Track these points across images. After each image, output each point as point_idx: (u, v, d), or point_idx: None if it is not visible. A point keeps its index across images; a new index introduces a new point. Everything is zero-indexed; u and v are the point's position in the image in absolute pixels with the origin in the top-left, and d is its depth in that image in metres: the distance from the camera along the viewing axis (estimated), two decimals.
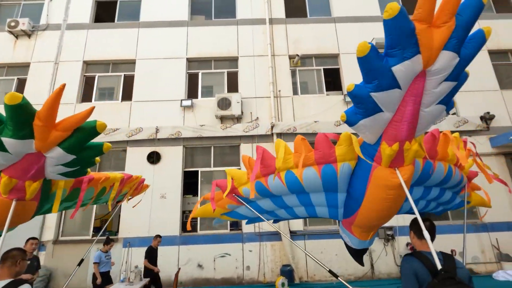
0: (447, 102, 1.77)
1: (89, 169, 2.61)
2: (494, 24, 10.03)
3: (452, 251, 7.28)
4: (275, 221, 3.47)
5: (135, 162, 8.35)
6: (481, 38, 1.54)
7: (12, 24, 9.31)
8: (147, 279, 5.48)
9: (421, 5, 1.39)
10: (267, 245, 7.79)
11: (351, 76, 9.30)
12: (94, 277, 5.53)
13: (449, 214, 8.27)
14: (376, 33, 9.63)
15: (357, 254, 3.01)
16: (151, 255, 6.03)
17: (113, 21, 10.15)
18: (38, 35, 9.67)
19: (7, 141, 1.80)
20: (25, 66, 9.42)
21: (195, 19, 10.31)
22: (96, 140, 7.43)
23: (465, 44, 1.54)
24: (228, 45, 9.64)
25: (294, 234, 7.80)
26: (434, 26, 1.43)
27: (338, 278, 2.48)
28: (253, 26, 9.84)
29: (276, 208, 3.01)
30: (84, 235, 7.98)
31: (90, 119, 7.58)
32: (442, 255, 2.02)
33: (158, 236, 6.34)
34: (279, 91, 9.13)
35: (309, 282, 7.43)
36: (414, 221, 2.07)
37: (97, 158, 2.26)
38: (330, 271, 2.60)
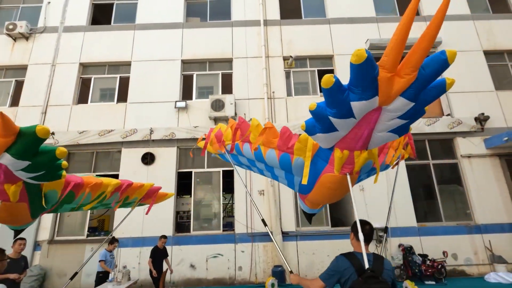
0: (400, 132, 1.84)
1: (64, 173, 2.65)
2: (490, 24, 10.01)
3: (444, 252, 7.30)
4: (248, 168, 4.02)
5: (129, 163, 8.43)
6: (442, 87, 1.59)
7: (10, 27, 9.45)
8: (137, 279, 5.55)
9: (388, 53, 1.43)
10: (259, 245, 7.83)
11: (346, 77, 9.27)
12: (98, 275, 5.74)
13: (442, 216, 8.25)
14: (370, 34, 9.65)
15: (308, 216, 3.60)
16: (155, 255, 6.08)
17: (110, 23, 10.26)
18: (35, 37, 9.80)
19: None
20: (22, 68, 9.55)
21: (190, 21, 10.39)
22: (93, 141, 7.55)
23: (425, 91, 1.59)
24: (223, 46, 9.70)
25: (286, 235, 7.83)
26: (397, 75, 1.48)
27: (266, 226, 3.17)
28: (248, 27, 9.89)
29: (249, 165, 3.65)
30: (79, 235, 8.09)
31: (91, 120, 7.77)
32: (373, 257, 2.15)
33: (163, 236, 6.39)
34: (273, 92, 9.17)
35: None
36: (355, 223, 2.14)
37: (64, 163, 2.30)
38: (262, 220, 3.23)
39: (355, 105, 1.58)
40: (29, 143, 1.86)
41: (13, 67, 9.62)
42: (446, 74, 9.31)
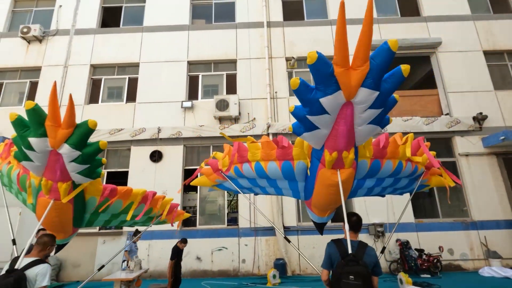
0: (379, 122, 2.13)
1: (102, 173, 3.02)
2: (490, 24, 10.14)
3: (439, 247, 7.58)
4: (256, 194, 4.12)
5: (138, 160, 8.85)
6: (399, 75, 1.88)
7: (25, 30, 9.90)
8: (147, 268, 5.95)
9: (337, 52, 1.75)
10: (262, 240, 8.20)
11: None
12: (122, 262, 6.38)
13: (439, 213, 8.51)
14: None
15: (318, 226, 3.70)
16: (179, 255, 5.79)
17: (119, 26, 10.65)
18: (48, 40, 10.25)
19: (31, 140, 2.33)
20: (36, 70, 10.02)
21: (195, 23, 10.72)
22: (103, 139, 8.01)
23: (386, 79, 1.89)
24: (227, 48, 10.02)
25: (287, 230, 8.18)
26: (352, 69, 1.78)
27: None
28: (251, 29, 10.18)
29: (251, 186, 3.69)
30: (91, 229, 8.53)
31: (101, 119, 8.27)
32: (358, 244, 2.48)
33: (185, 241, 5.99)
34: (276, 92, 9.48)
35: (301, 275, 7.81)
36: (347, 214, 2.48)
37: (104, 159, 2.70)
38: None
39: (323, 101, 1.88)
40: (83, 134, 2.30)
41: (27, 68, 10.08)
42: (448, 74, 9.52)
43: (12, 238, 3.12)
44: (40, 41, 10.21)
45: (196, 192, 9.01)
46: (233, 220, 8.85)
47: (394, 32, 9.95)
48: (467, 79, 9.44)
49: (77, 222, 3.16)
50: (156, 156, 8.82)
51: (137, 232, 6.44)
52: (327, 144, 2.23)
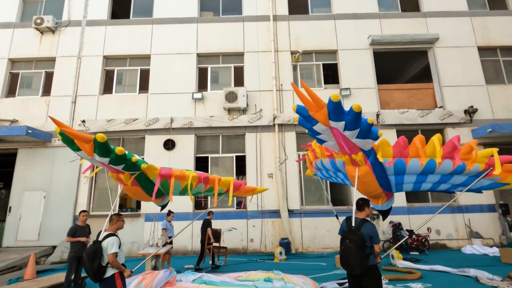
0: (365, 136, 2.85)
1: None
2: (486, 21, 10.64)
3: (428, 228, 8.44)
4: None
5: (153, 148, 9.47)
6: (353, 111, 2.63)
7: (38, 21, 10.20)
8: (170, 245, 6.70)
9: (305, 104, 2.66)
10: (268, 221, 9.00)
11: (348, 70, 10.12)
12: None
13: (430, 198, 9.35)
14: (372, 30, 10.34)
15: (382, 213, 4.17)
16: (210, 225, 7.13)
17: (128, 17, 10.96)
18: (61, 31, 10.57)
19: (79, 153, 3.18)
20: (51, 60, 10.41)
21: (203, 15, 11.06)
22: (119, 128, 8.61)
23: (346, 114, 2.65)
24: (235, 41, 10.45)
25: (291, 213, 8.98)
26: (317, 111, 2.65)
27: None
28: (258, 22, 10.58)
29: (332, 176, 4.66)
30: (109, 211, 9.25)
31: (116, 109, 9.04)
32: (361, 220, 3.30)
33: (211, 212, 7.41)
34: (281, 85, 10.02)
35: (304, 252, 8.68)
36: (357, 199, 3.26)
37: (134, 157, 3.40)
38: None
39: (315, 128, 2.84)
40: (99, 146, 3.03)
41: (42, 59, 10.47)
42: (444, 69, 10.09)
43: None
44: (53, 32, 10.53)
45: None
46: (241, 204, 9.62)
47: (394, 27, 10.44)
48: (461, 73, 10.04)
49: (150, 192, 3.93)
50: (169, 145, 9.44)
51: (170, 212, 7.10)
52: (340, 150, 3.00)
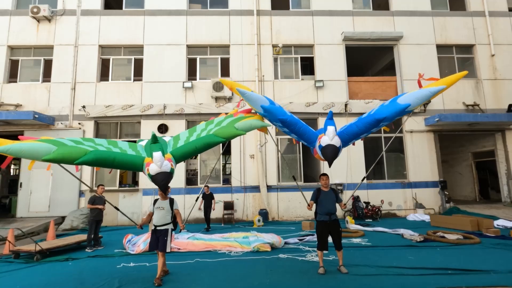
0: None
1: None
2: (446, 20, 11.98)
3: (381, 200, 10.21)
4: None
5: (147, 132, 10.61)
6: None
7: (35, 10, 10.79)
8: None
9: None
10: (249, 195, 10.55)
11: (323, 63, 11.38)
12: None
13: (385, 175, 11.10)
14: (345, 26, 11.52)
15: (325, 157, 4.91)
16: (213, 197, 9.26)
17: (121, 7, 11.65)
18: (57, 20, 11.21)
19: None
20: (49, 48, 11.13)
21: (192, 7, 11.87)
22: (117, 113, 9.93)
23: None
24: (221, 34, 11.42)
25: (269, 188, 10.54)
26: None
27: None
28: (243, 17, 11.53)
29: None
30: (112, 186, 10.56)
31: (113, 95, 10.67)
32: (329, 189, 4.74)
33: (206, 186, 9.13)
34: (263, 76, 11.22)
35: (279, 221, 10.35)
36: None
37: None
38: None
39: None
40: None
41: (40, 46, 11.17)
42: (406, 64, 11.49)
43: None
44: (49, 20, 11.16)
45: (196, 158, 11.07)
46: (226, 180, 11.10)
47: (365, 25, 11.64)
48: (420, 68, 11.47)
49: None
50: (163, 129, 10.64)
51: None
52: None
